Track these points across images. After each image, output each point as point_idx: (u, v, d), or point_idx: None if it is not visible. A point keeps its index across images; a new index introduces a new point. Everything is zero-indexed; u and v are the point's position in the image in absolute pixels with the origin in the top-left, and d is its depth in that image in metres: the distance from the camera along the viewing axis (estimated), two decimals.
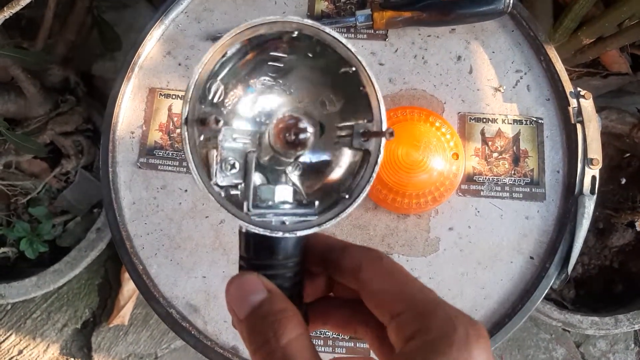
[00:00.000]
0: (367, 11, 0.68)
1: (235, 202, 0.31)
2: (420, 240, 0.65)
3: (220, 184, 0.32)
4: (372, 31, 0.70)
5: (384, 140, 0.34)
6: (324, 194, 0.36)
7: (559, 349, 1.26)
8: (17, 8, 0.65)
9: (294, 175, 0.37)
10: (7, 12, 0.65)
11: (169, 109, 0.69)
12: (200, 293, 0.65)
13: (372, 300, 0.30)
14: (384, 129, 0.35)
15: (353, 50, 0.34)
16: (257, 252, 0.33)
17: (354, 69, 0.35)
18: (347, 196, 0.33)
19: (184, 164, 0.67)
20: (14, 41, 0.95)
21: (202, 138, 0.33)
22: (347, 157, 0.37)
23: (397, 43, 0.70)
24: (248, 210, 0.32)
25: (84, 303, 1.25)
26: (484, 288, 0.64)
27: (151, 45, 0.70)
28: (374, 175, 0.34)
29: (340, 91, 0.37)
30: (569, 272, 0.64)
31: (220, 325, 0.65)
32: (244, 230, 0.32)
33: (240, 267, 0.33)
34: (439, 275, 0.65)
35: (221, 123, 0.31)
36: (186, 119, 0.30)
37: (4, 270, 1.11)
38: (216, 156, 0.33)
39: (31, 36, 0.97)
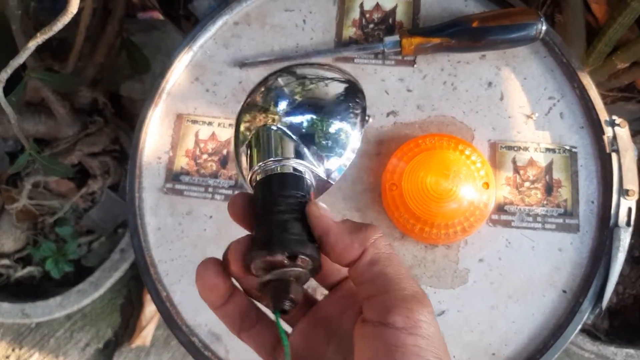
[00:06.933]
0: (396, 37, 0.67)
1: None
2: (448, 271, 0.63)
3: None
4: (400, 57, 0.69)
5: None
6: None
7: None
8: (50, 34, 0.66)
9: None
10: (40, 38, 0.65)
11: (196, 135, 0.68)
12: None
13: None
14: None
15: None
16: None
17: None
18: None
19: (210, 189, 0.67)
20: (44, 63, 0.96)
21: None
22: None
23: (426, 69, 0.69)
24: None
25: (106, 323, 1.25)
26: (515, 322, 0.62)
27: (179, 71, 0.70)
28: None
29: None
30: (604, 308, 0.62)
31: (243, 354, 0.63)
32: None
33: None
34: (467, 309, 0.63)
35: None
36: None
37: (29, 289, 1.12)
38: None
39: (62, 57, 0.98)
